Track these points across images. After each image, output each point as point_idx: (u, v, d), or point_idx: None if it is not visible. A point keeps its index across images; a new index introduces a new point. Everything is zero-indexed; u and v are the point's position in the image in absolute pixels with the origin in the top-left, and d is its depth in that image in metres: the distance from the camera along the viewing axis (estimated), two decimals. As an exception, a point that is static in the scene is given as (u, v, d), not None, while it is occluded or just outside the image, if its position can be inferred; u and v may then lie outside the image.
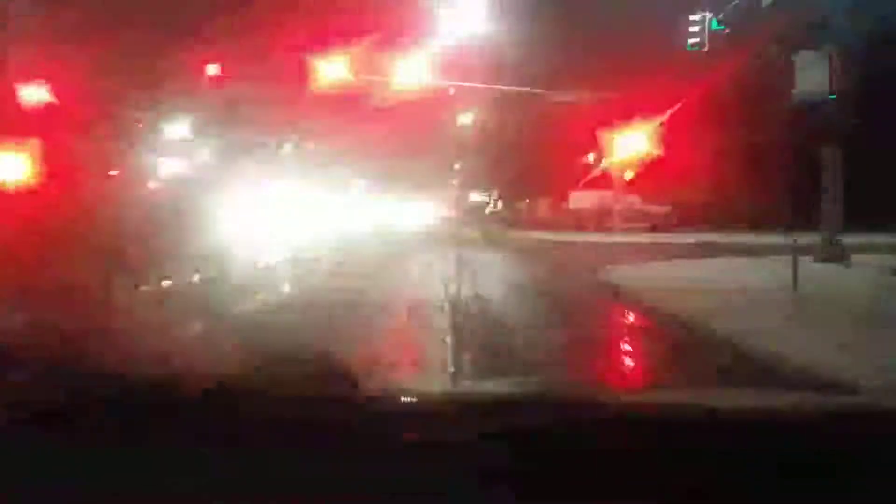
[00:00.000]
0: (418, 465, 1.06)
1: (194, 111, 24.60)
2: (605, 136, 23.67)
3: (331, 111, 29.40)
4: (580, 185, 26.98)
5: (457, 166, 60.64)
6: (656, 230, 25.91)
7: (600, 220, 26.25)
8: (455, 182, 63.81)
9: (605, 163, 24.10)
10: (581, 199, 26.79)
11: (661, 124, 23.55)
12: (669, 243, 18.87)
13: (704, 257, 13.79)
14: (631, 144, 23.76)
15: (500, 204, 49.39)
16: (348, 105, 29.16)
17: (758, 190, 26.19)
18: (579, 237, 21.77)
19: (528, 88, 24.78)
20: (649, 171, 26.46)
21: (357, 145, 41.34)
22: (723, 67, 19.25)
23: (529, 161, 32.66)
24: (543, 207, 38.40)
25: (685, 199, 27.41)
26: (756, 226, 22.73)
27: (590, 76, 24.91)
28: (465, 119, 38.13)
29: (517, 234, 24.33)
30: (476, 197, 58.23)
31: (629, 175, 25.07)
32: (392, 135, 40.34)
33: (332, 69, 24.60)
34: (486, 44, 24.63)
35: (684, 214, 27.30)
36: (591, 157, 34.94)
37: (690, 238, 20.78)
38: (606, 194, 26.13)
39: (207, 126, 24.67)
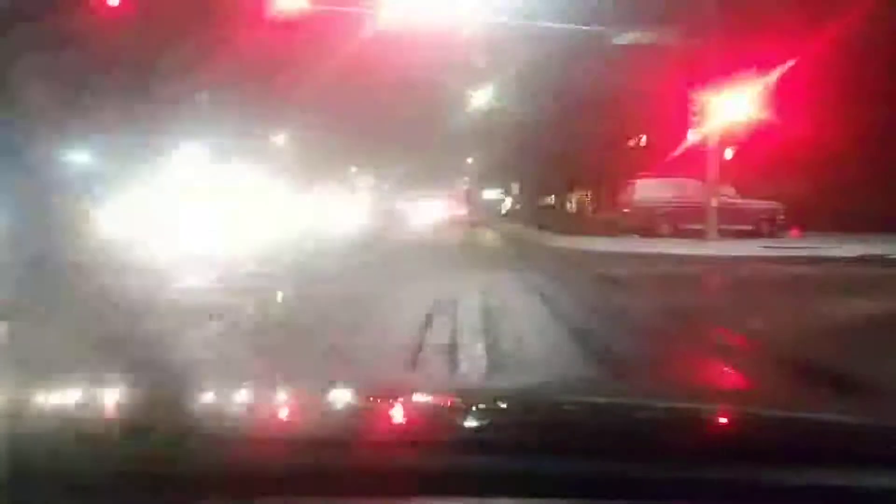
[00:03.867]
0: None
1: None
2: (700, 94, 15.71)
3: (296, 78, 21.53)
4: (653, 168, 18.93)
5: (469, 160, 53.31)
6: (762, 235, 17.96)
7: (677, 219, 18.17)
8: (466, 178, 56.46)
9: (696, 134, 16.02)
10: (650, 191, 18.59)
11: (780, 79, 15.57)
12: (835, 260, 10.83)
13: None
14: (732, 109, 15.76)
15: (517, 202, 41.54)
16: (320, 62, 21.27)
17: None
18: (665, 247, 13.68)
19: (579, 26, 16.68)
20: (746, 151, 18.48)
21: (345, 126, 33.92)
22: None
23: (567, 142, 24.61)
24: (583, 203, 30.37)
25: (787, 193, 19.43)
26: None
27: (666, 11, 16.90)
28: (481, 98, 29.28)
29: (560, 242, 16.25)
30: (489, 194, 50.73)
31: (729, 153, 17.03)
32: (387, 116, 32.70)
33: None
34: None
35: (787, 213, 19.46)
36: (643, 138, 27.08)
37: (831, 246, 12.95)
38: (688, 184, 18.04)
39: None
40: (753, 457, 1.03)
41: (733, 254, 12.38)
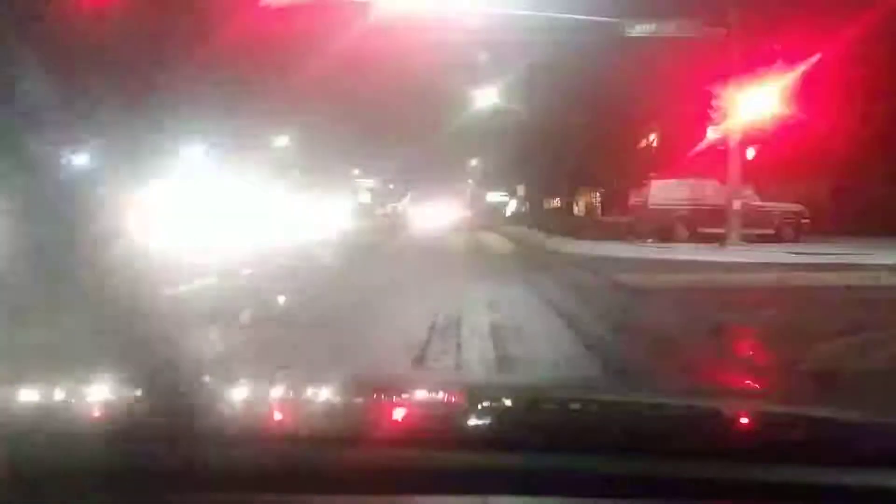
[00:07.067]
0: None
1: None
2: (720, 90, 14.70)
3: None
4: (668, 168, 17.90)
5: (473, 161, 52.41)
6: (785, 240, 16.93)
7: (695, 223, 17.13)
8: (470, 180, 55.50)
9: (716, 132, 15.00)
10: (665, 192, 17.50)
11: (804, 75, 14.51)
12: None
13: None
14: (755, 106, 14.71)
15: (522, 205, 40.53)
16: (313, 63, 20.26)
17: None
18: (690, 254, 12.62)
19: (590, 17, 15.63)
20: (765, 150, 17.42)
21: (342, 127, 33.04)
22: None
23: (574, 142, 23.60)
24: (592, 205, 29.35)
25: (806, 195, 18.40)
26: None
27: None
28: (485, 97, 28.15)
29: (568, 248, 15.21)
30: (493, 196, 49.79)
31: (751, 153, 16.01)
32: (388, 116, 31.80)
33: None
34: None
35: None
36: (652, 137, 26.07)
37: (863, 252, 11.92)
38: (706, 185, 17.03)
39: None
40: (759, 455, 1.02)
41: (762, 261, 11.31)
